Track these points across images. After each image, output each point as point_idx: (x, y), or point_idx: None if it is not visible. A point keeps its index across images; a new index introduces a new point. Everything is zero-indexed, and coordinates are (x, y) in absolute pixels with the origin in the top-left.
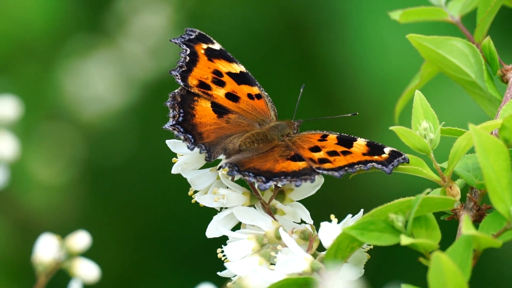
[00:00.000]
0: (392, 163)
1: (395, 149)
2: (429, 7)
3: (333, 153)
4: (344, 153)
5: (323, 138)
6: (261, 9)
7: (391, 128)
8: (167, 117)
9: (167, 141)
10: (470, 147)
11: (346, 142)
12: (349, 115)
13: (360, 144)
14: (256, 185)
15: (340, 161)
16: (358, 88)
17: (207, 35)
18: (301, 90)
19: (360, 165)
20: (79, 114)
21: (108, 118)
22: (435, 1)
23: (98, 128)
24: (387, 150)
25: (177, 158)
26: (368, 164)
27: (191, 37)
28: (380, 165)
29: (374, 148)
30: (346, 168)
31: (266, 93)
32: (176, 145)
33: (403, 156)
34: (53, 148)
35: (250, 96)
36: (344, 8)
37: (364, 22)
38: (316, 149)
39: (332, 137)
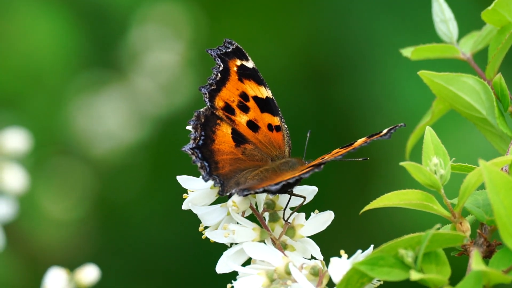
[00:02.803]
0: (390, 132)
1: (392, 126)
2: (441, 44)
3: (336, 153)
4: (346, 148)
5: (328, 153)
6: (277, 50)
7: (401, 163)
8: (188, 137)
9: (178, 177)
10: (481, 183)
11: (348, 144)
12: (360, 159)
13: (360, 140)
14: (267, 188)
15: (342, 151)
16: (375, 129)
17: (243, 50)
18: (308, 135)
19: (361, 145)
20: (91, 149)
21: (119, 154)
22: (446, 39)
23: (110, 163)
24: (384, 130)
25: (187, 194)
26: (368, 141)
27: (228, 50)
28: (379, 138)
29: (373, 134)
30: (350, 151)
31: (286, 126)
32: (187, 181)
33: (399, 125)
34: (64, 184)
35: (269, 127)
36: (364, 53)
37: (382, 65)
38: (322, 158)
39: (336, 149)
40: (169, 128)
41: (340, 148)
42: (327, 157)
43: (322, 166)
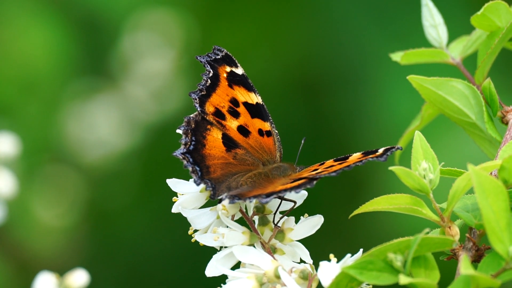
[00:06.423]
0: (386, 154)
1: (388, 147)
2: (430, 49)
3: (330, 167)
4: (341, 163)
5: (321, 164)
6: (271, 62)
7: (390, 168)
8: (178, 142)
9: (168, 180)
10: (470, 188)
11: (342, 158)
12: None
13: (355, 155)
14: (258, 201)
15: (337, 167)
16: (368, 139)
17: (233, 57)
18: (302, 141)
19: (356, 164)
20: (82, 156)
21: (111, 161)
22: (436, 43)
23: (101, 170)
24: (380, 150)
25: (177, 197)
26: (363, 161)
27: (217, 57)
28: (375, 159)
29: (368, 152)
30: (344, 168)
31: (277, 131)
32: (176, 184)
33: (396, 147)
34: (56, 191)
35: (260, 132)
36: (355, 65)
37: (374, 76)
38: (314, 170)
39: (329, 161)
40: (161, 135)
41: (334, 161)
42: (320, 169)
43: (314, 182)
